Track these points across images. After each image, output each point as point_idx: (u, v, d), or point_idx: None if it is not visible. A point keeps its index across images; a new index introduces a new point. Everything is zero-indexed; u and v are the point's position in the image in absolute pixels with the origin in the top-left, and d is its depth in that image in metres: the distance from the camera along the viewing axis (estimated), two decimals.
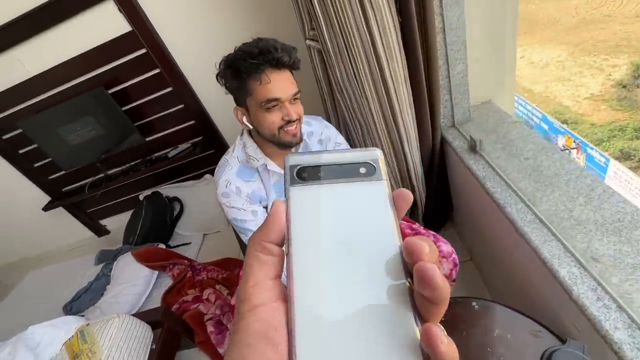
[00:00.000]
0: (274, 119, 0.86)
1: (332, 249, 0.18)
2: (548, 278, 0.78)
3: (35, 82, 1.86)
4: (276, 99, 0.83)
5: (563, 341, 0.66)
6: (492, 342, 0.80)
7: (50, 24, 1.68)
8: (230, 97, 0.92)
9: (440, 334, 0.16)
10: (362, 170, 0.20)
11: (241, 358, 0.17)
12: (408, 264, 0.18)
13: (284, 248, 0.19)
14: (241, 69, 0.81)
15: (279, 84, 0.82)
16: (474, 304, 0.89)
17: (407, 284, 0.18)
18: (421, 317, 0.17)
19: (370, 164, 0.21)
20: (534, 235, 0.84)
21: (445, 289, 0.17)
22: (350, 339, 0.16)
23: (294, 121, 0.87)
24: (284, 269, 0.19)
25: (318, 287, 0.17)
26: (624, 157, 7.06)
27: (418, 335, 0.17)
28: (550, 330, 0.78)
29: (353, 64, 1.04)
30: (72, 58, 1.80)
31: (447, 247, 1.01)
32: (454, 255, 1.00)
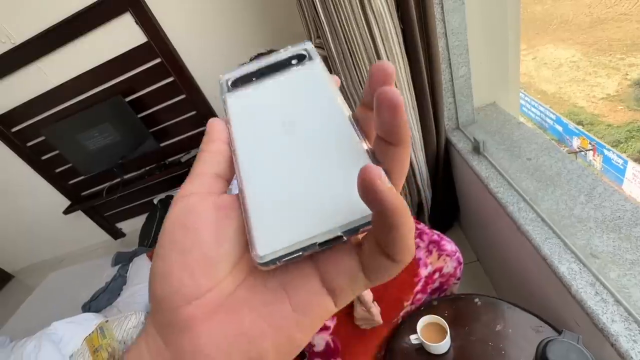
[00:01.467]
0: None
1: (275, 133, 0.18)
2: (549, 274, 0.80)
3: (58, 91, 1.97)
4: None
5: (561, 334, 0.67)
6: (494, 336, 0.82)
7: (72, 37, 1.78)
8: None
9: (375, 168, 0.12)
10: (294, 61, 0.20)
11: (160, 251, 0.15)
12: (371, 91, 0.15)
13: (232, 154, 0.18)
14: None
15: None
16: (476, 300, 0.91)
17: (360, 138, 0.16)
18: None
19: (302, 53, 0.20)
20: (535, 233, 0.86)
21: (405, 124, 0.14)
22: (304, 196, 0.15)
23: None
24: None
25: (264, 162, 0.17)
26: None
27: (368, 157, 0.15)
28: (551, 325, 0.80)
29: (357, 70, 1.08)
30: (92, 69, 1.90)
31: (451, 246, 1.03)
32: (458, 254, 1.02)
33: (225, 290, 0.15)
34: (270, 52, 0.85)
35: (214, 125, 0.18)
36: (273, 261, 0.14)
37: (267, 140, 0.17)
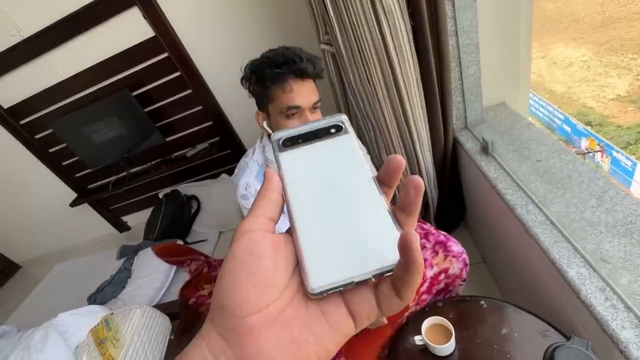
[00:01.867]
0: (293, 126, 0.89)
1: (319, 188, 0.23)
2: (557, 278, 0.79)
3: (66, 85, 1.98)
4: (297, 107, 0.86)
5: (569, 339, 0.66)
6: (500, 340, 0.81)
7: (80, 30, 1.78)
8: (246, 101, 0.96)
9: (415, 236, 0.18)
10: (333, 130, 0.25)
11: (229, 270, 0.20)
12: (387, 180, 0.23)
13: (284, 201, 0.23)
14: (265, 76, 0.84)
15: (301, 93, 0.85)
16: (482, 302, 0.90)
17: (383, 199, 0.22)
18: (399, 222, 0.21)
19: (338, 124, 0.25)
20: (544, 236, 0.85)
21: (419, 195, 0.21)
22: (343, 244, 0.20)
23: None
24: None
25: (313, 212, 0.22)
26: None
27: (393, 223, 0.21)
28: (558, 330, 0.79)
29: (366, 67, 1.07)
30: (100, 62, 1.90)
31: (457, 247, 1.02)
32: (464, 256, 1.01)
33: (278, 307, 0.19)
34: (286, 48, 0.84)
35: (271, 176, 0.23)
36: (321, 293, 0.19)
37: (314, 194, 0.22)
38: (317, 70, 0.86)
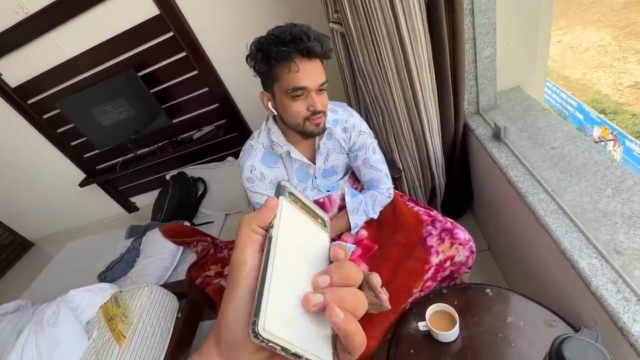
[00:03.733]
0: (299, 108, 0.85)
1: (297, 253, 0.25)
2: (567, 269, 0.78)
3: (72, 64, 1.96)
4: (303, 88, 0.82)
5: (577, 331, 0.66)
6: (505, 328, 0.81)
7: (85, 8, 1.75)
8: (253, 83, 0.93)
9: (334, 308, 0.21)
10: (319, 221, 0.29)
11: (230, 317, 0.22)
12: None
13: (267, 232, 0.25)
14: (271, 54, 0.80)
15: (308, 73, 0.81)
16: (487, 290, 0.89)
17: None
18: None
19: (325, 220, 0.30)
20: (555, 226, 0.83)
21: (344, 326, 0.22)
22: (298, 315, 0.22)
23: (319, 112, 0.87)
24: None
25: (285, 273, 0.23)
26: None
27: (332, 328, 0.23)
28: (565, 321, 0.78)
29: (376, 48, 1.03)
30: (105, 41, 1.88)
31: (464, 235, 1.00)
32: (471, 243, 1.00)
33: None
34: (293, 25, 0.81)
35: (270, 209, 0.25)
36: (263, 340, 0.19)
37: (292, 256, 0.24)
38: (325, 49, 0.83)
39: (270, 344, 0.19)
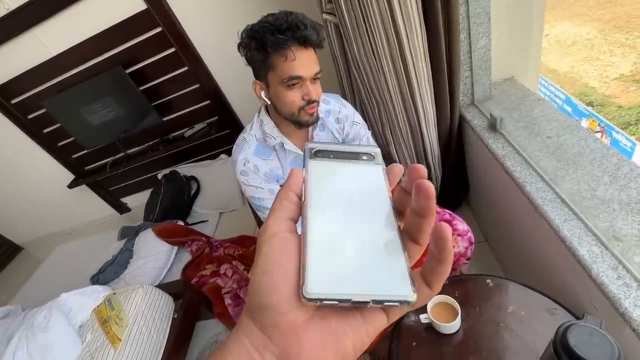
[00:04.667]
0: (294, 97, 0.84)
1: (339, 203, 0.23)
2: (567, 257, 0.78)
3: (57, 62, 1.90)
4: (299, 77, 0.81)
5: (579, 318, 0.66)
6: (506, 318, 0.81)
7: (69, 2, 1.69)
8: (245, 79, 0.90)
9: (448, 229, 0.20)
10: (364, 157, 0.26)
11: (265, 270, 0.21)
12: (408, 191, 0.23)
13: (302, 199, 0.23)
14: (267, 42, 0.78)
15: (304, 62, 0.80)
16: (488, 281, 0.89)
17: (397, 223, 0.22)
18: (406, 249, 0.22)
19: (371, 153, 0.26)
20: (554, 215, 0.83)
21: (433, 202, 0.21)
22: (351, 261, 0.20)
23: (313, 102, 0.86)
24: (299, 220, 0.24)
25: (327, 223, 0.22)
26: None
27: (405, 260, 0.21)
28: (566, 308, 0.78)
29: (371, 38, 1.01)
30: (91, 37, 1.82)
31: (463, 226, 1.00)
32: (470, 234, 1.00)
33: (313, 305, 0.20)
34: (288, 13, 0.79)
35: (295, 176, 0.24)
36: (315, 300, 0.19)
37: (332, 207, 0.23)
38: (320, 38, 0.81)
39: (324, 301, 0.19)
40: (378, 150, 0.27)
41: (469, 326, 0.82)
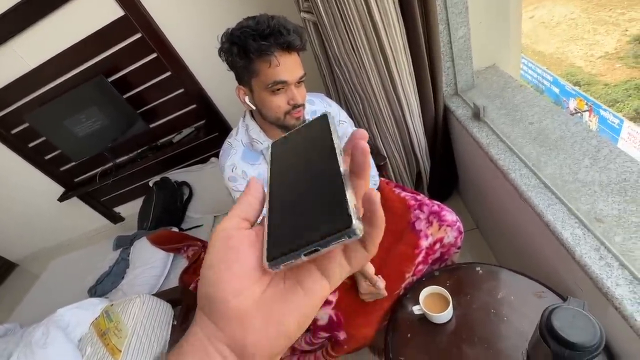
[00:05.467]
0: (279, 102, 0.84)
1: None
2: (552, 241, 0.79)
3: (36, 74, 1.87)
4: (283, 82, 0.81)
5: (565, 300, 0.67)
6: (496, 304, 0.82)
7: (43, 13, 1.66)
8: (230, 80, 0.89)
9: (377, 194, 0.21)
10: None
11: (210, 264, 0.22)
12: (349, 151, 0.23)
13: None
14: (249, 48, 0.77)
15: (288, 67, 0.80)
16: (477, 268, 0.91)
17: (342, 166, 0.22)
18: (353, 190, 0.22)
19: (322, 115, 0.27)
20: (538, 200, 0.84)
21: (367, 155, 0.22)
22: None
23: (299, 106, 0.86)
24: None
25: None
26: (638, 117, 6.79)
27: (346, 194, 0.21)
28: (553, 291, 0.80)
29: (350, 35, 1.01)
30: (69, 47, 1.79)
31: (451, 216, 1.01)
32: (459, 224, 1.01)
33: (259, 289, 0.22)
34: (270, 18, 0.78)
35: (252, 184, 0.26)
36: (273, 266, 0.20)
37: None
38: (304, 42, 0.81)
39: (282, 264, 0.20)
40: (328, 112, 0.28)
41: (461, 314, 0.84)
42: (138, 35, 1.77)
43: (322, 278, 0.22)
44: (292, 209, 0.22)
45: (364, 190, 0.22)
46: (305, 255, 0.20)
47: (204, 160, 2.39)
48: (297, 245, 0.20)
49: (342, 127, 1.05)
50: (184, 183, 2.38)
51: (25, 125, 2.05)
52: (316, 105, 1.01)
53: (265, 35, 0.75)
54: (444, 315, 0.81)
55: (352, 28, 0.99)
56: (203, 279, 0.22)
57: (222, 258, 0.22)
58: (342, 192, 0.21)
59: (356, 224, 0.19)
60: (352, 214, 0.19)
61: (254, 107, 0.89)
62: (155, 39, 1.77)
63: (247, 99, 0.88)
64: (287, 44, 0.77)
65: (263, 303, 0.22)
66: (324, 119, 0.26)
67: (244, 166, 0.96)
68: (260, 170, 0.99)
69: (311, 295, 0.22)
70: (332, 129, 0.25)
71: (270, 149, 0.28)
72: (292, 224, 0.21)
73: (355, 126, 1.09)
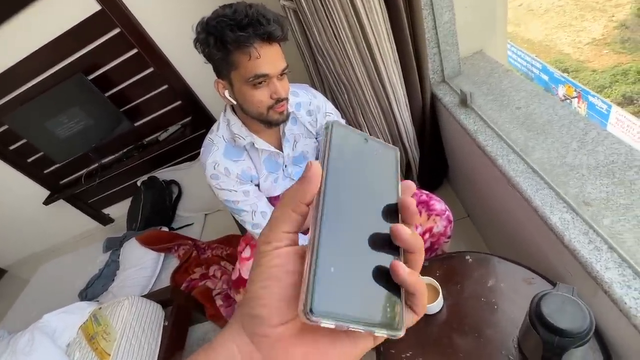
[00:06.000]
0: (261, 97, 0.80)
1: (352, 220, 0.22)
2: (541, 226, 0.78)
3: (12, 73, 1.80)
4: (264, 75, 0.77)
5: (555, 286, 0.66)
6: (487, 292, 0.81)
7: (14, 10, 1.59)
8: (214, 73, 0.86)
9: (400, 263, 0.21)
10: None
11: (261, 282, 0.21)
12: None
13: (313, 202, 0.22)
14: (227, 39, 0.72)
15: (269, 59, 0.75)
16: (467, 257, 0.90)
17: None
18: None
19: (392, 153, 0.25)
20: (526, 185, 0.83)
21: (413, 242, 0.22)
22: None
23: (282, 99, 0.82)
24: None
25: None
26: (626, 102, 6.87)
27: (402, 291, 0.21)
28: (543, 277, 0.79)
29: (331, 22, 0.98)
30: (45, 45, 1.72)
31: (440, 205, 1.00)
32: (448, 213, 1.00)
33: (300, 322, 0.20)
34: (248, 6, 0.74)
35: (311, 181, 0.22)
36: (313, 322, 0.18)
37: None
38: (285, 32, 0.77)
39: (322, 324, 0.18)
40: (397, 148, 0.26)
41: (452, 304, 0.83)
42: (117, 31, 1.71)
43: (368, 334, 0.21)
44: (347, 260, 0.20)
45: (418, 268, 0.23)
46: (349, 328, 0.19)
47: (191, 158, 2.35)
48: (346, 316, 0.19)
49: (329, 119, 1.02)
50: (173, 182, 2.34)
51: (5, 127, 1.99)
52: (300, 97, 0.98)
53: (243, 25, 0.71)
54: (433, 306, 0.80)
55: (332, 14, 0.96)
56: (251, 296, 0.21)
57: (277, 279, 0.21)
58: (398, 292, 0.21)
59: (401, 332, 0.20)
60: (402, 321, 0.20)
61: (234, 102, 0.85)
62: (135, 34, 1.71)
63: (226, 94, 0.84)
64: (268, 34, 0.73)
65: (310, 334, 0.21)
66: (392, 153, 0.25)
67: (226, 163, 0.93)
68: (244, 167, 0.96)
69: (357, 345, 0.21)
70: (397, 178, 0.24)
71: (330, 131, 0.23)
72: (345, 287, 0.20)
73: (343, 117, 1.06)
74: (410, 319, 0.22)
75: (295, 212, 0.22)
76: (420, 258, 0.23)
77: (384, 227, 0.22)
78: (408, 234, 0.21)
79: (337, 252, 0.20)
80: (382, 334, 0.19)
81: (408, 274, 0.20)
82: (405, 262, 0.22)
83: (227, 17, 0.72)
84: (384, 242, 0.22)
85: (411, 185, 0.25)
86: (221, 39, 0.73)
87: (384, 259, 0.21)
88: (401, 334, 0.20)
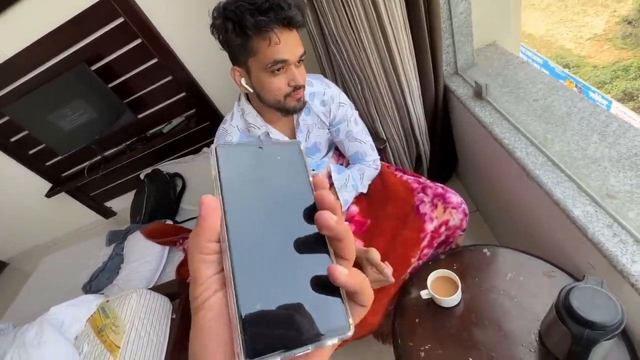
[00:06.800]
0: (280, 84, 0.79)
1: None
2: (561, 219, 0.77)
3: (13, 64, 1.76)
4: (284, 61, 0.75)
5: (577, 279, 0.66)
6: (505, 285, 0.81)
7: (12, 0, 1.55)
8: (221, 64, 0.83)
9: (337, 267, 0.19)
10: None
11: (199, 343, 0.20)
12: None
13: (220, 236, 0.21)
14: (246, 24, 0.70)
15: (289, 45, 0.74)
16: (485, 250, 0.89)
17: (329, 247, 0.21)
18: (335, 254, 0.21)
19: (293, 146, 0.24)
20: (546, 178, 0.82)
21: (341, 229, 0.21)
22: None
23: (300, 87, 0.81)
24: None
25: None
26: (627, 98, 6.86)
27: (341, 290, 0.20)
28: (563, 270, 0.78)
29: (347, 10, 0.96)
30: (47, 34, 1.69)
31: (456, 198, 0.99)
32: (464, 206, 0.99)
33: None
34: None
35: (209, 218, 0.21)
36: None
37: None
38: (305, 18, 0.75)
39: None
40: (300, 141, 0.25)
41: (470, 297, 0.82)
42: (120, 20, 1.68)
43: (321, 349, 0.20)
44: (272, 286, 0.19)
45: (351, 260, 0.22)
46: (296, 355, 0.17)
47: (195, 151, 2.32)
48: (287, 346, 0.17)
49: (342, 109, 1.00)
50: (177, 174, 2.32)
51: (6, 118, 1.95)
52: (315, 87, 0.96)
53: (264, 9, 0.69)
54: (453, 299, 0.79)
55: (349, 2, 0.94)
56: (193, 356, 0.20)
57: (211, 336, 0.20)
58: (336, 292, 0.19)
59: (350, 328, 0.18)
60: (348, 317, 0.19)
61: (251, 90, 0.83)
62: (138, 23, 1.68)
63: (243, 81, 0.82)
64: (289, 19, 0.71)
65: None
66: (294, 148, 0.23)
67: None
68: None
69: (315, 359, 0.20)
70: (307, 171, 0.22)
71: (215, 155, 0.22)
72: (276, 314, 0.18)
73: (355, 109, 1.05)
74: (358, 314, 0.21)
75: (207, 254, 0.20)
76: (350, 245, 0.21)
77: (307, 229, 0.21)
78: (334, 219, 0.20)
79: (259, 283, 0.19)
80: (332, 342, 0.18)
81: (346, 275, 0.19)
82: (337, 257, 0.21)
83: (247, 1, 0.70)
84: (309, 246, 0.20)
85: (322, 181, 0.23)
86: (240, 23, 0.71)
87: (314, 264, 0.20)
88: (350, 333, 0.19)
